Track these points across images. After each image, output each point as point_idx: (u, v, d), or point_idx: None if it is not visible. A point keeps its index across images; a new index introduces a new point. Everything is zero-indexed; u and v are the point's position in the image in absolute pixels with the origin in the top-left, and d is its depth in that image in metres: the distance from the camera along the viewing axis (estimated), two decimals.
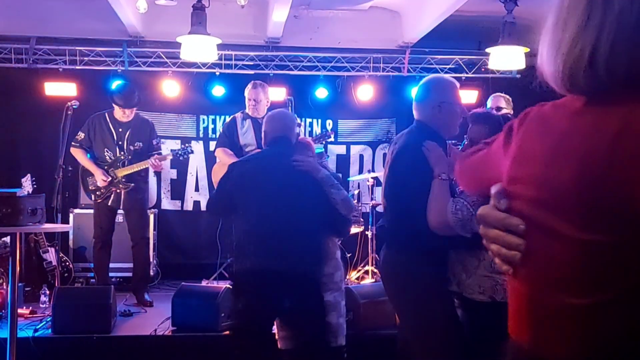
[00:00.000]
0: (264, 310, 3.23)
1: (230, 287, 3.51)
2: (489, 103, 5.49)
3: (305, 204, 3.26)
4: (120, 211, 5.70)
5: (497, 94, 5.60)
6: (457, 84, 3.07)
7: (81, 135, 5.58)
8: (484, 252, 2.62)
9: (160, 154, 5.73)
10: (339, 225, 3.55)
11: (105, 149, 5.56)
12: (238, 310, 3.33)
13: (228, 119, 5.92)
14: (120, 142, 5.57)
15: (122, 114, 5.55)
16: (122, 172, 5.51)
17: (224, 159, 5.27)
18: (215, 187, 3.78)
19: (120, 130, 5.58)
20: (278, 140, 3.42)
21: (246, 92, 5.61)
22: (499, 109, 5.35)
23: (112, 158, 5.55)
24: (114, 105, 5.57)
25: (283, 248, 3.16)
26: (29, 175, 5.18)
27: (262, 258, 3.17)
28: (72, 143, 5.52)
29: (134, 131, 5.60)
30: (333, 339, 3.52)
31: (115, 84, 6.66)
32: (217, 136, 7.20)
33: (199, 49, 5.57)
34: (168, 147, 6.76)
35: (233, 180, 3.34)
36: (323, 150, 6.78)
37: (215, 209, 3.65)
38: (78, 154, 5.58)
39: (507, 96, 5.39)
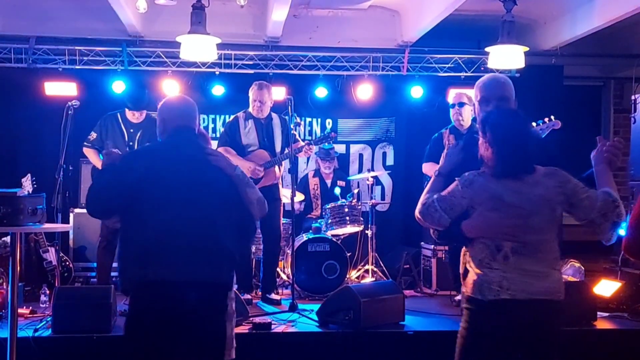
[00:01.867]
0: (169, 328, 2.69)
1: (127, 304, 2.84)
2: (453, 100, 5.58)
3: (219, 202, 2.85)
4: None
5: (460, 91, 5.72)
6: (486, 80, 3.03)
7: (93, 135, 5.58)
8: (473, 248, 2.67)
9: None
10: (247, 228, 3.11)
11: (116, 150, 5.55)
12: (138, 329, 2.74)
13: (230, 118, 5.93)
14: (131, 143, 5.56)
15: (132, 115, 5.56)
16: None
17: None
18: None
19: (131, 131, 5.58)
20: (182, 130, 2.96)
21: (251, 93, 5.62)
22: (461, 104, 5.44)
23: None
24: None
25: (198, 253, 2.72)
26: (29, 174, 5.18)
27: (173, 266, 2.68)
28: (85, 143, 5.54)
29: (145, 132, 5.58)
30: (227, 352, 3.06)
31: (118, 84, 6.68)
32: (218, 135, 7.22)
33: (199, 49, 5.57)
34: None
35: (131, 176, 2.79)
36: (332, 146, 6.81)
37: (105, 208, 2.93)
38: (90, 154, 5.59)
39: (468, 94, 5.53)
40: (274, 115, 5.68)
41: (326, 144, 6.27)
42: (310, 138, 7.23)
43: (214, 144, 5.70)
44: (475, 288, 2.63)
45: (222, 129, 7.19)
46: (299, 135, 6.05)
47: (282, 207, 5.61)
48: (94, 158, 5.59)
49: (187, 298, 2.67)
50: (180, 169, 2.83)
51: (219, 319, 2.83)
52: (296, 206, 6.69)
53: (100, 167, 5.54)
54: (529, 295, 2.56)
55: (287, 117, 5.60)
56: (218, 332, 2.84)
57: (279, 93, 6.56)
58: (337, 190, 6.56)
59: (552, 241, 2.65)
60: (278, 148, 5.61)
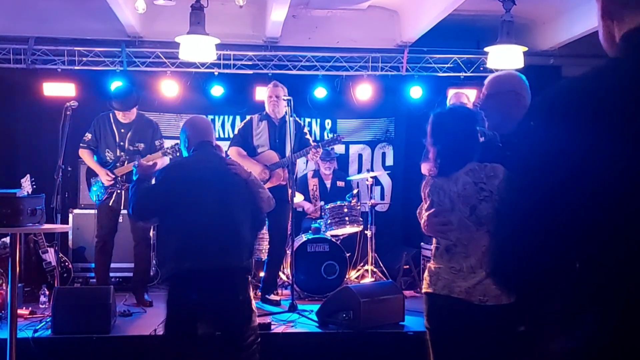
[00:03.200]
0: (206, 308, 3.34)
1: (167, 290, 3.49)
2: (451, 100, 5.59)
3: (239, 203, 3.52)
4: (123, 211, 5.70)
5: (458, 91, 5.75)
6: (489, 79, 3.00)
7: (88, 136, 5.59)
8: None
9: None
10: (260, 221, 3.82)
11: (107, 149, 5.57)
12: (177, 312, 3.35)
13: (229, 118, 5.96)
14: (121, 143, 5.57)
15: (121, 116, 5.56)
16: (119, 172, 5.51)
17: (237, 158, 5.34)
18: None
19: (122, 130, 5.58)
20: (205, 144, 3.62)
21: (266, 91, 5.72)
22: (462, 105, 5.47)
23: (112, 158, 5.55)
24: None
25: (225, 245, 3.35)
26: (28, 175, 5.18)
27: (206, 257, 3.29)
28: (81, 144, 5.55)
29: (136, 132, 5.59)
30: (254, 319, 3.65)
31: (114, 85, 6.67)
32: (217, 135, 7.24)
33: (198, 49, 5.57)
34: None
35: (170, 185, 3.41)
36: (333, 147, 6.83)
37: (146, 213, 3.57)
38: (85, 154, 5.59)
39: (467, 93, 5.64)
40: (288, 118, 5.69)
41: (332, 145, 6.30)
42: (313, 139, 7.23)
43: (225, 144, 5.81)
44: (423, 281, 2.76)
45: (220, 129, 7.27)
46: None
47: (291, 209, 5.56)
48: (88, 159, 5.59)
49: (219, 282, 3.30)
50: (207, 177, 3.46)
51: (246, 295, 3.47)
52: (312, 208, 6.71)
53: (93, 168, 5.55)
54: (448, 292, 2.58)
55: (300, 120, 5.66)
56: (247, 304, 3.48)
57: None
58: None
59: (481, 239, 2.53)
60: (289, 150, 5.62)
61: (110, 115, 5.62)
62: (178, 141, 6.79)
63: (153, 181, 3.65)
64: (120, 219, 5.78)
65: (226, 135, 7.18)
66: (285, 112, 5.60)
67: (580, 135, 1.02)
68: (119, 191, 5.53)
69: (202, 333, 3.34)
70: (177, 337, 3.36)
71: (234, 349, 3.43)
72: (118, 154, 5.55)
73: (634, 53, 1.05)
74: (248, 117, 5.85)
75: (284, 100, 5.55)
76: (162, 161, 5.77)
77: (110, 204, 5.55)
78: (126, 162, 5.53)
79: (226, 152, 5.65)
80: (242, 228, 3.46)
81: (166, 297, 3.40)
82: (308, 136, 5.86)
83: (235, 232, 3.41)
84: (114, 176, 5.47)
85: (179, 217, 3.33)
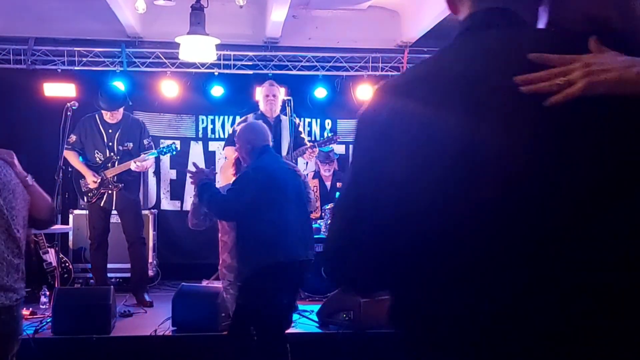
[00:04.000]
0: (291, 296, 3.88)
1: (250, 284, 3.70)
2: None
3: (305, 199, 3.96)
4: (114, 212, 5.70)
5: None
6: None
7: (73, 137, 5.58)
8: None
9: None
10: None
11: (96, 151, 5.57)
12: (267, 303, 3.61)
13: (229, 118, 5.94)
14: (110, 143, 5.57)
15: (109, 116, 5.55)
16: (110, 173, 5.52)
17: (233, 157, 5.33)
18: (230, 188, 3.90)
19: (110, 131, 5.58)
20: (268, 148, 3.91)
21: (262, 90, 5.70)
22: None
23: (102, 159, 5.56)
24: None
25: (304, 239, 3.78)
26: (28, 175, 5.17)
27: (293, 249, 3.67)
28: (65, 146, 5.52)
29: (124, 132, 5.60)
30: None
31: (115, 85, 6.67)
32: (217, 136, 7.24)
33: (198, 49, 5.57)
34: None
35: (258, 186, 3.66)
36: (332, 148, 6.83)
37: (236, 214, 3.77)
38: (70, 156, 5.57)
39: None
40: (283, 117, 5.69)
41: (328, 145, 6.29)
42: (309, 139, 7.22)
43: (221, 145, 5.76)
44: None
45: (220, 130, 7.26)
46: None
47: None
48: (74, 160, 5.59)
49: (302, 271, 3.80)
50: (285, 177, 3.80)
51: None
52: None
53: (79, 169, 5.55)
54: None
55: (296, 119, 5.65)
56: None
57: None
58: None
59: None
60: (284, 150, 5.62)
61: (97, 116, 5.61)
62: (179, 143, 6.95)
63: (217, 179, 4.04)
64: (118, 220, 5.78)
65: (226, 136, 7.18)
66: (280, 111, 5.61)
67: (424, 113, 1.11)
68: (110, 192, 5.53)
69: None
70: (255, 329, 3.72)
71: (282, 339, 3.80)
72: (108, 154, 5.56)
73: (459, 40, 1.20)
74: (243, 117, 5.82)
75: (284, 100, 5.55)
76: (151, 161, 5.78)
77: (101, 205, 5.55)
78: (117, 163, 5.54)
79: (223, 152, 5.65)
80: (309, 221, 3.98)
81: (253, 290, 3.62)
82: (303, 135, 5.84)
83: (307, 226, 3.90)
84: (99, 178, 5.48)
85: (269, 214, 3.61)
